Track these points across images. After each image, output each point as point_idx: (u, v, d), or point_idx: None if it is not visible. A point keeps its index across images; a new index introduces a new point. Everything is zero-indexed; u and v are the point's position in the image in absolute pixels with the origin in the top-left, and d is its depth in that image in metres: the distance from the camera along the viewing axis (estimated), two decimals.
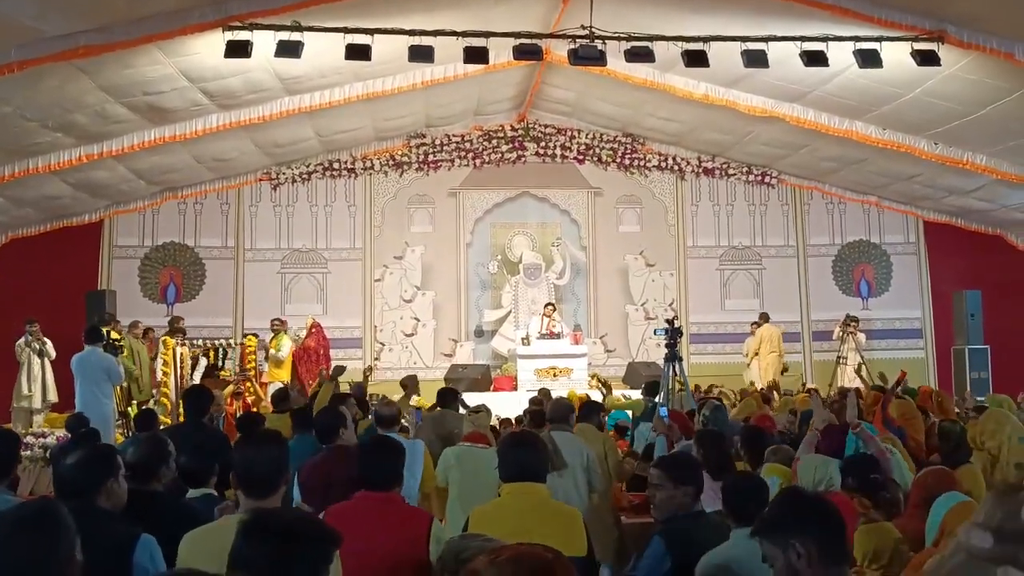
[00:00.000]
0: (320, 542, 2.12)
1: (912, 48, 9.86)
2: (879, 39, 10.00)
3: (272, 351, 13.28)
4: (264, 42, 9.60)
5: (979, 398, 9.98)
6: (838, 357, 15.21)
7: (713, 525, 3.56)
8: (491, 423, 7.53)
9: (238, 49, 9.52)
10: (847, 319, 15.42)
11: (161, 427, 7.54)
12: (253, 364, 13.23)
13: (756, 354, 15.13)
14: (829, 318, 16.07)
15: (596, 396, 11.66)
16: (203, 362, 13.19)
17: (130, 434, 9.71)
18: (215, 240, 15.79)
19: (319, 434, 4.91)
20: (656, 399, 8.86)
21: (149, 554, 2.88)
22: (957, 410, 9.20)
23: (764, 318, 15.43)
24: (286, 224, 16.01)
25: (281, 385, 12.08)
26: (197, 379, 12.52)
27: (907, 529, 3.64)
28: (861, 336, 15.32)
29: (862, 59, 10.04)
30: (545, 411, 6.55)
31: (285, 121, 12.84)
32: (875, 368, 14.55)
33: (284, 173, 15.81)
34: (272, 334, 13.51)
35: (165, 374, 12.51)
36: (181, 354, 12.82)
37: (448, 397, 7.23)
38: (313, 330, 13.80)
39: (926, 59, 9.83)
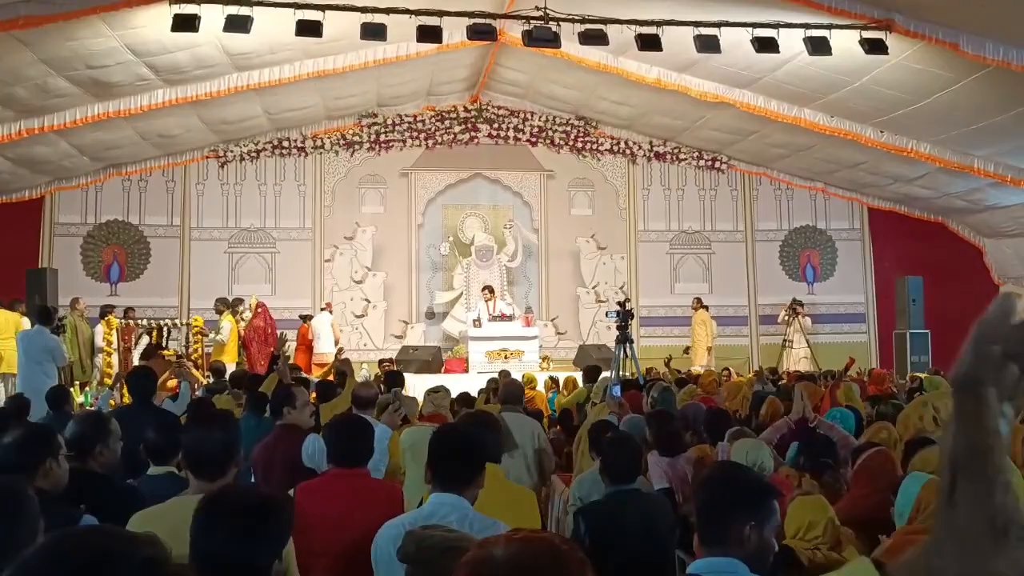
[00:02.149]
0: (278, 517, 2.13)
1: (861, 36, 10.02)
2: (829, 27, 10.14)
3: (212, 334, 13.13)
4: (212, 16, 9.42)
5: (920, 374, 10.23)
6: (784, 341, 15.47)
7: (634, 500, 3.59)
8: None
9: (185, 23, 9.32)
10: (793, 303, 15.68)
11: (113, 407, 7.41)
12: (199, 345, 13.03)
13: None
14: (776, 302, 16.32)
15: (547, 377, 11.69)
16: (144, 340, 12.97)
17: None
18: (160, 218, 15.48)
19: (271, 413, 4.96)
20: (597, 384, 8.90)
21: None
22: (895, 390, 9.43)
23: (698, 303, 15.63)
24: (233, 203, 15.76)
25: (229, 367, 11.92)
26: (136, 357, 12.32)
27: (853, 508, 3.71)
28: (807, 320, 15.60)
29: (812, 46, 10.18)
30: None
31: (233, 98, 12.62)
32: (819, 352, 14.91)
33: (232, 151, 15.54)
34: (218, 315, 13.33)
35: (108, 354, 12.27)
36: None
37: (399, 380, 7.30)
38: (259, 310, 13.61)
39: (874, 47, 10.00)
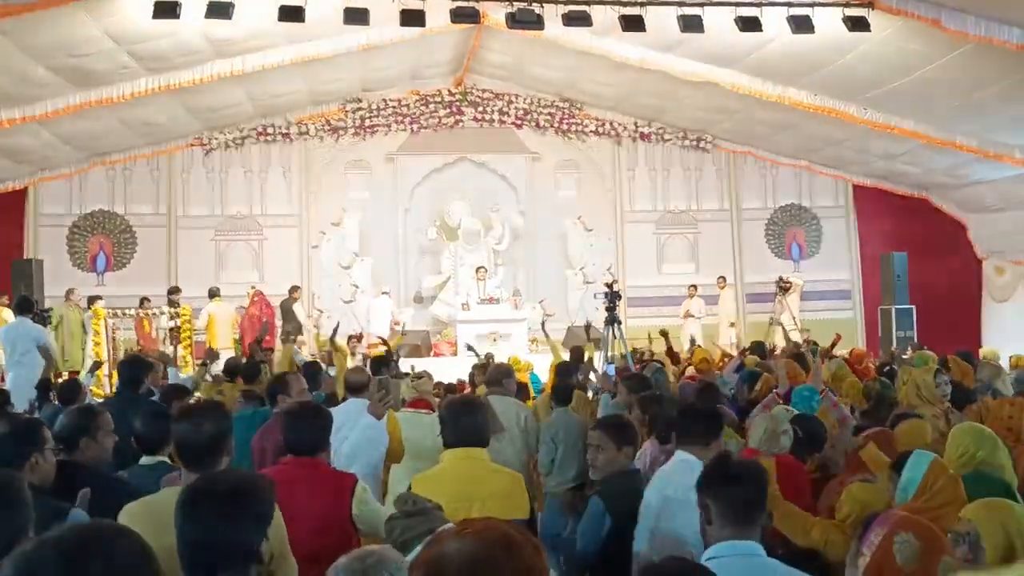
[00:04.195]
0: (256, 496, 2.17)
1: (843, 14, 10.03)
2: (812, 4, 10.16)
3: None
4: (194, 2, 9.34)
5: (904, 356, 10.31)
6: (771, 318, 15.52)
7: (643, 481, 3.64)
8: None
9: (166, 10, 9.26)
10: (780, 281, 15.71)
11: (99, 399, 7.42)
12: (189, 334, 13.03)
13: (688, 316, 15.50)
14: (762, 280, 16.39)
15: (538, 359, 11.73)
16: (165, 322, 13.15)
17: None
18: (146, 207, 15.40)
19: (268, 401, 5.03)
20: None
21: None
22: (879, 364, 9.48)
23: (723, 281, 15.87)
24: (219, 190, 15.69)
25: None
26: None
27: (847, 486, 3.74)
28: (793, 297, 15.65)
29: (795, 25, 10.19)
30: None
31: (217, 85, 12.55)
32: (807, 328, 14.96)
33: (216, 138, 15.46)
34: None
35: (96, 344, 12.25)
36: (114, 325, 12.58)
37: (383, 364, 7.36)
38: (256, 298, 13.71)
39: (856, 25, 10.03)
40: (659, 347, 11.17)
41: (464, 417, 3.59)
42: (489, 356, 10.29)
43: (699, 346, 12.46)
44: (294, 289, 14.40)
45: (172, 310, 13.24)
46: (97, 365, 10.59)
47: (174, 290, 13.59)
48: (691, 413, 3.84)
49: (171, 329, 13.10)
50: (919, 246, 15.91)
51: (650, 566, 2.05)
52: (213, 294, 13.45)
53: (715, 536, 2.44)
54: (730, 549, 2.39)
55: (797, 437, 4.13)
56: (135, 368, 5.81)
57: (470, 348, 10.28)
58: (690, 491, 2.63)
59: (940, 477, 3.19)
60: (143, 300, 13.59)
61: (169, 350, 12.62)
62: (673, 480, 3.36)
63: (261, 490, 2.20)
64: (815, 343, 11.97)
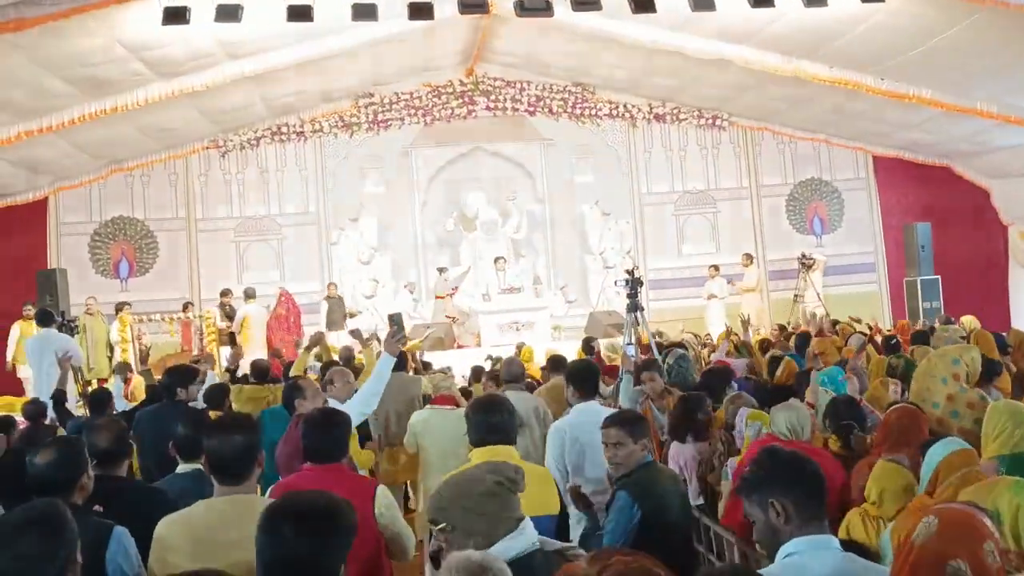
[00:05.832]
0: (343, 519, 2.17)
1: None
2: None
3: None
4: (203, 7, 9.34)
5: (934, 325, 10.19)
6: (795, 295, 15.42)
7: (662, 471, 3.65)
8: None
9: (176, 16, 9.25)
10: (803, 257, 15.56)
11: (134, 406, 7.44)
12: (214, 338, 13.12)
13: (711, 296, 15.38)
14: (785, 257, 16.26)
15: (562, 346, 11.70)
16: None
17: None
18: (165, 212, 15.48)
19: (284, 407, 5.01)
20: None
21: (123, 549, 2.83)
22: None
23: (748, 259, 15.70)
24: (237, 192, 15.75)
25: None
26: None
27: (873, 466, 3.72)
28: (817, 274, 15.51)
29: None
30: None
31: (229, 87, 12.56)
32: (830, 304, 14.84)
33: (232, 140, 15.51)
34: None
35: (124, 351, 12.36)
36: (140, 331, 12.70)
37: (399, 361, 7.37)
38: (282, 298, 13.78)
39: None
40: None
41: (490, 416, 3.58)
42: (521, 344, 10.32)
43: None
44: (329, 286, 14.71)
45: (220, 311, 13.45)
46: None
47: (225, 292, 13.78)
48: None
49: (219, 330, 13.30)
50: (943, 216, 15.74)
51: (708, 571, 2.00)
52: (249, 295, 13.51)
53: (792, 532, 2.29)
54: (809, 544, 2.26)
55: (845, 421, 4.15)
56: (174, 377, 5.80)
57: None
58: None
59: (951, 473, 3.08)
60: (187, 305, 13.87)
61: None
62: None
63: (345, 513, 2.19)
64: (835, 320, 11.88)
